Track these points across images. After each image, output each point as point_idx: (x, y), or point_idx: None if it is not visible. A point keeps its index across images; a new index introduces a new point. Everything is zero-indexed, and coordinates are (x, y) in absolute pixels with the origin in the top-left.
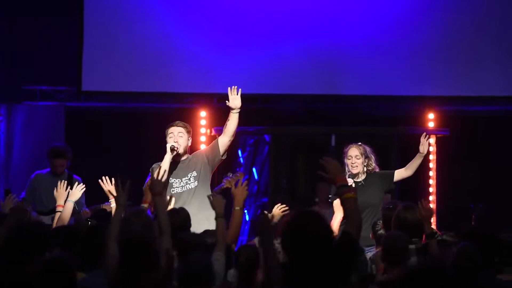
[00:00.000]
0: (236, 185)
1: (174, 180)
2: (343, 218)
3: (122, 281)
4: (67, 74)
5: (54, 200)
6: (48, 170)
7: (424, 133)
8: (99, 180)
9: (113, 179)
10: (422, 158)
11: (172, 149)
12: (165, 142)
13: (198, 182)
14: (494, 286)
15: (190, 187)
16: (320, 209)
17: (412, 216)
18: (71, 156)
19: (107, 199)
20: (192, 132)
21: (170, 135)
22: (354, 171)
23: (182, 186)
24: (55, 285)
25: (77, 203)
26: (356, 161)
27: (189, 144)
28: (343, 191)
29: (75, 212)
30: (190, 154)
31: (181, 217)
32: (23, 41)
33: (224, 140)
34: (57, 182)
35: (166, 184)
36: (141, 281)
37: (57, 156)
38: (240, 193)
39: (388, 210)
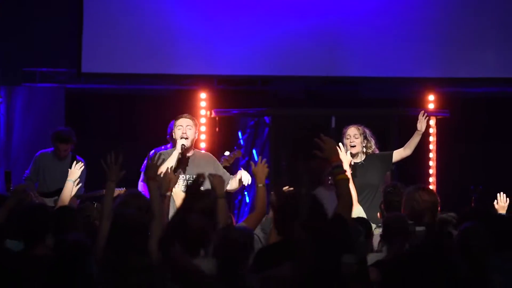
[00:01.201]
0: (254, 165)
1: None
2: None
3: (108, 261)
4: (67, 56)
5: (57, 182)
6: (52, 150)
7: (422, 111)
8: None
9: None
10: (420, 136)
11: (183, 148)
12: (164, 128)
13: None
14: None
15: (179, 173)
16: (325, 190)
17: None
18: (75, 140)
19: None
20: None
21: (179, 127)
22: (353, 150)
23: (186, 180)
24: (73, 267)
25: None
26: (355, 140)
27: (196, 138)
28: (337, 171)
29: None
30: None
31: (210, 200)
32: (22, 23)
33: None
34: (61, 164)
35: (175, 181)
36: (128, 262)
37: (62, 141)
38: (260, 170)
39: (389, 192)
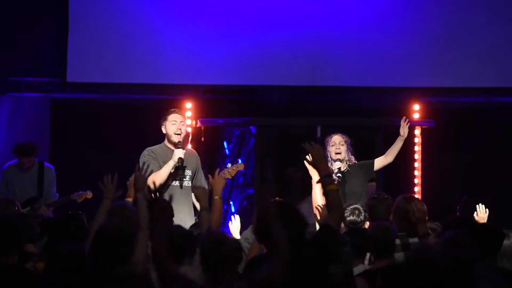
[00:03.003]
0: (211, 177)
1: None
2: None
3: (92, 271)
4: (53, 65)
5: (26, 192)
6: (16, 162)
7: (404, 117)
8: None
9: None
10: (402, 142)
11: (179, 161)
12: (150, 138)
13: (190, 183)
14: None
15: (184, 185)
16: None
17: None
18: (38, 151)
19: (85, 190)
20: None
21: (173, 122)
22: (339, 157)
23: (175, 180)
24: (69, 275)
25: (47, 192)
26: (340, 147)
27: None
28: (327, 182)
29: (33, 210)
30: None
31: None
32: (8, 33)
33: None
34: (28, 174)
35: (163, 190)
36: (112, 272)
37: (24, 154)
38: (217, 182)
39: (373, 199)
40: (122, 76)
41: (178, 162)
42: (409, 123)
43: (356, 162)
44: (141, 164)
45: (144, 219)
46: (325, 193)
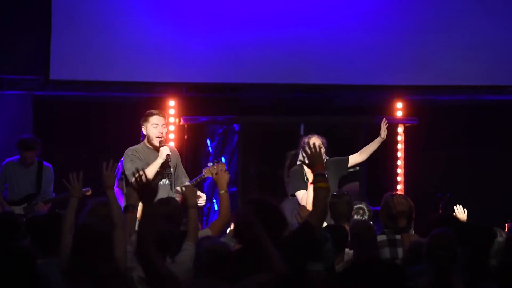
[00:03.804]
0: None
1: None
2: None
3: (74, 270)
4: (35, 63)
5: (25, 189)
6: (18, 158)
7: (384, 119)
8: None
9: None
10: (379, 144)
11: (167, 158)
12: (133, 136)
13: (171, 181)
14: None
15: (165, 183)
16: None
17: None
18: (40, 147)
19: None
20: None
21: (154, 125)
22: None
23: (163, 178)
24: (13, 274)
25: (44, 191)
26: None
27: None
28: (318, 179)
29: (30, 206)
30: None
31: (170, 207)
32: None
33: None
34: (28, 172)
35: (156, 189)
36: (94, 270)
37: (27, 149)
38: (221, 177)
39: (332, 197)
40: (105, 74)
41: (166, 159)
42: (387, 124)
43: (328, 158)
44: (125, 161)
45: (117, 216)
46: (314, 190)
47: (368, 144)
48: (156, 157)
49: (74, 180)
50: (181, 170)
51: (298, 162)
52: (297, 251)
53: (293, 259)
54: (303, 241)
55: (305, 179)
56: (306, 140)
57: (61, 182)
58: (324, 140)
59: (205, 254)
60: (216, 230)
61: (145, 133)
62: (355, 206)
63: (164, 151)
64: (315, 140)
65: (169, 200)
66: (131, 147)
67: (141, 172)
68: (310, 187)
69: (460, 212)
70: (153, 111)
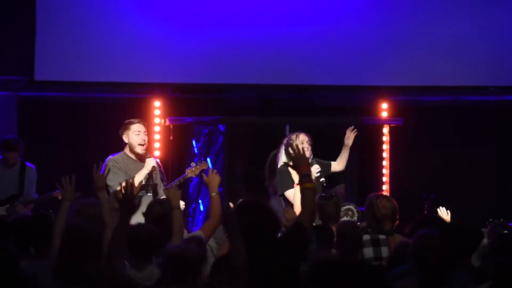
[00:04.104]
0: (206, 173)
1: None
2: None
3: (63, 270)
4: (20, 64)
5: (7, 190)
6: (1, 158)
7: (351, 127)
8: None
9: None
10: (348, 151)
11: (153, 169)
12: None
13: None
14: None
15: (149, 195)
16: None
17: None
18: (23, 148)
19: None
20: (147, 123)
21: (136, 132)
22: (308, 155)
23: (147, 190)
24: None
25: (26, 192)
26: (308, 146)
27: None
28: (304, 180)
29: (12, 207)
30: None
31: (164, 208)
32: None
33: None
34: (10, 172)
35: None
36: (82, 270)
37: (10, 149)
38: (212, 179)
39: (320, 198)
40: (90, 74)
41: (152, 170)
42: (356, 133)
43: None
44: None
45: (108, 216)
46: (301, 191)
47: (353, 143)
48: (137, 167)
49: (67, 183)
50: (158, 177)
51: (281, 163)
52: (291, 252)
53: (288, 260)
54: (297, 242)
55: (293, 177)
56: (293, 137)
57: (45, 182)
58: (310, 138)
59: (167, 260)
60: (207, 232)
61: (126, 141)
62: (344, 208)
63: (150, 163)
64: (303, 138)
65: (162, 202)
66: (111, 157)
67: (128, 184)
68: (297, 188)
69: (443, 214)
70: (134, 120)
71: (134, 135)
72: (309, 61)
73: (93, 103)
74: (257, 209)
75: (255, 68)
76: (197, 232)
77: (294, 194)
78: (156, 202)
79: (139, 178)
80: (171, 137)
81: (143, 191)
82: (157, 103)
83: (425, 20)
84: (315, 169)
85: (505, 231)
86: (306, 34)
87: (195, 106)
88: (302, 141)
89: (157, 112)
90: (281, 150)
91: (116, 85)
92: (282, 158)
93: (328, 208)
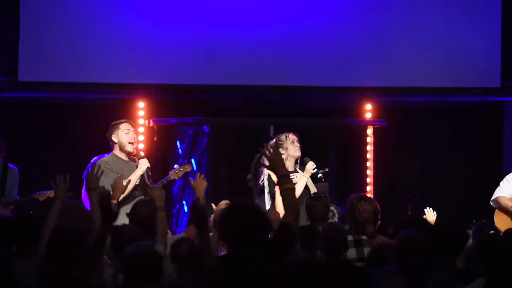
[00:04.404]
0: (190, 175)
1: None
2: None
3: (49, 271)
4: (3, 64)
5: None
6: None
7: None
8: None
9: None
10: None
11: (148, 170)
12: (103, 137)
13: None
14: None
15: (137, 194)
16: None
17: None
18: (6, 149)
19: (42, 189)
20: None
21: (126, 131)
22: (299, 154)
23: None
24: None
25: (8, 194)
26: (298, 144)
27: None
28: (283, 181)
29: None
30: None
31: (150, 209)
32: None
33: None
34: None
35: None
36: (68, 271)
37: None
38: (199, 184)
39: (309, 199)
40: (74, 75)
41: (146, 171)
42: (315, 170)
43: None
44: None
45: (99, 217)
46: (281, 192)
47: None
48: (128, 168)
49: (61, 183)
50: (147, 181)
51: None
52: (280, 253)
53: (277, 261)
54: (285, 242)
55: None
56: (282, 137)
57: (28, 183)
58: (298, 138)
59: (127, 259)
60: (191, 234)
61: (116, 141)
62: None
63: (144, 164)
64: (293, 137)
65: (148, 202)
66: (101, 159)
67: (105, 193)
68: (277, 190)
69: (430, 214)
70: (122, 120)
71: (124, 133)
72: (294, 62)
73: (77, 104)
74: (248, 210)
75: (240, 69)
76: (182, 235)
77: (276, 197)
78: (141, 203)
79: (134, 179)
80: (155, 138)
81: (137, 192)
82: (141, 104)
83: (409, 21)
84: (311, 166)
85: (492, 232)
86: (291, 35)
87: (180, 107)
88: (293, 140)
89: (141, 113)
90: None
91: (100, 86)
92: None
93: (317, 209)
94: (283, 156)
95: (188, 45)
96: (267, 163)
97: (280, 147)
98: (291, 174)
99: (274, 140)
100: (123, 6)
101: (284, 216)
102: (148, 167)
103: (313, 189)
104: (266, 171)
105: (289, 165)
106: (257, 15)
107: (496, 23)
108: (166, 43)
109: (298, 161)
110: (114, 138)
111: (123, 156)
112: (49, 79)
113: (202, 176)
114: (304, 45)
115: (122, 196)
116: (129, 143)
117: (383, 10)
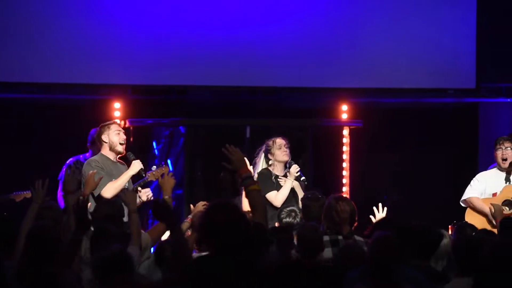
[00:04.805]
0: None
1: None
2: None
3: (24, 272)
4: None
5: None
6: None
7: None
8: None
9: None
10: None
11: (141, 172)
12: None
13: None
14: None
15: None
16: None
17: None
18: None
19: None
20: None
21: (117, 131)
22: (287, 159)
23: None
24: None
25: None
26: (287, 150)
27: None
28: (248, 183)
29: None
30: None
31: (115, 207)
32: None
33: None
34: None
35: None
36: (42, 272)
37: None
38: (167, 182)
39: (306, 199)
40: (48, 76)
41: (140, 173)
42: None
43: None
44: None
45: (72, 221)
46: (247, 194)
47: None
48: (116, 169)
49: (39, 187)
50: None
51: (260, 167)
52: (254, 252)
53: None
54: (259, 242)
55: (273, 179)
56: (270, 142)
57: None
58: (286, 141)
59: (93, 264)
60: (154, 235)
61: (106, 141)
62: (287, 209)
63: (137, 165)
64: (280, 142)
65: (115, 201)
66: (91, 159)
67: (81, 200)
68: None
69: (380, 211)
70: (111, 121)
71: (115, 134)
72: (271, 63)
73: (52, 105)
74: (228, 209)
75: (216, 70)
76: (144, 234)
77: (275, 194)
78: (104, 203)
79: (124, 179)
80: (131, 139)
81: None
82: (117, 105)
83: (385, 23)
84: (295, 169)
85: (473, 233)
86: (268, 36)
87: (156, 108)
88: (280, 145)
89: (117, 113)
90: (260, 155)
91: (75, 86)
92: (261, 163)
93: (314, 210)
94: (270, 162)
95: (165, 45)
96: (229, 166)
97: (268, 152)
98: (279, 178)
99: (264, 145)
100: (98, 6)
101: (255, 217)
102: (141, 169)
103: (300, 192)
104: (261, 166)
105: (278, 169)
106: (235, 16)
107: (471, 25)
108: (142, 43)
109: (287, 165)
110: (104, 138)
111: (111, 156)
112: (24, 79)
113: (171, 174)
114: (281, 47)
115: (112, 195)
116: (120, 143)
117: (359, 13)
